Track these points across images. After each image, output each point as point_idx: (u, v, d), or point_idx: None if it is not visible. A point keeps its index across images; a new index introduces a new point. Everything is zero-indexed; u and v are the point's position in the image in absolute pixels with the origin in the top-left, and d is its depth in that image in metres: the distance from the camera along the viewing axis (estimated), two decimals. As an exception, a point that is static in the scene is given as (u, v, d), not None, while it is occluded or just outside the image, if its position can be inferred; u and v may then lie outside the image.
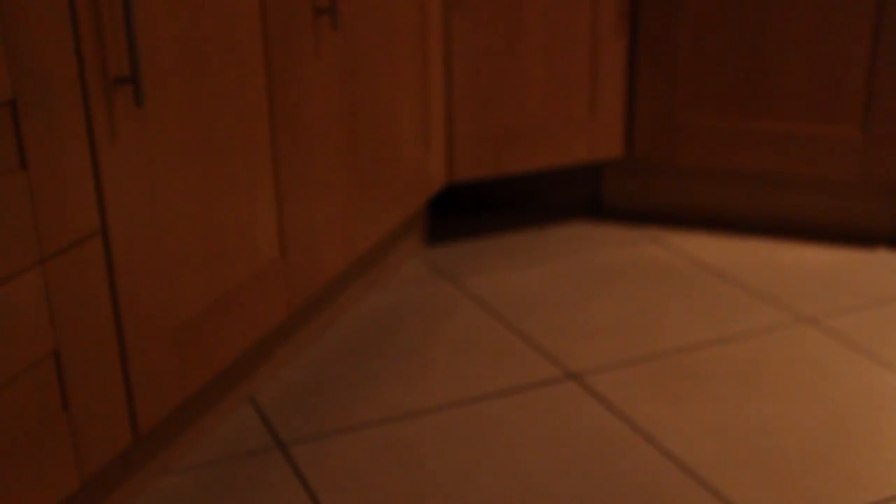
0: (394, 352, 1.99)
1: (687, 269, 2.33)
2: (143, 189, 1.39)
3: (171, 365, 1.49)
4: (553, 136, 2.41)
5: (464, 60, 2.27)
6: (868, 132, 2.31)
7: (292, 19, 1.68)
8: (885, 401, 1.81)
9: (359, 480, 1.61)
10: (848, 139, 2.34)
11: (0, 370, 1.18)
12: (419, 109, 2.17)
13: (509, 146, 2.37)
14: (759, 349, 1.99)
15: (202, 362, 1.56)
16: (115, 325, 1.37)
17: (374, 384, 1.88)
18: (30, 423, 1.25)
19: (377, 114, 2.00)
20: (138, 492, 1.57)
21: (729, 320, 2.10)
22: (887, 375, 1.89)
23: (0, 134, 1.16)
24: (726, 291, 2.23)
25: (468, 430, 1.74)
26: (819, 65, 2.31)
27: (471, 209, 2.70)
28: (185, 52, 1.44)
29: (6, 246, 1.17)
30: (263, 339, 1.86)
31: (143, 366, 1.43)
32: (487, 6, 2.25)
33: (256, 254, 1.68)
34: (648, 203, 2.62)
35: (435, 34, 2.17)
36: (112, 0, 1.29)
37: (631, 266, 2.35)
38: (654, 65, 2.42)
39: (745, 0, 2.31)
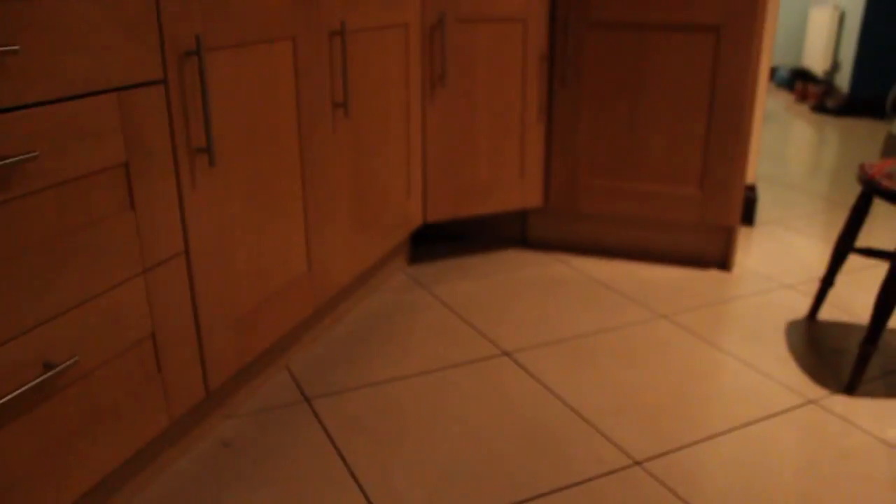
0: (384, 337, 1.98)
1: (583, 282, 2.33)
2: (213, 223, 1.40)
3: (231, 343, 1.49)
4: (495, 191, 2.40)
5: (434, 137, 2.26)
6: (704, 190, 2.33)
7: (317, 109, 1.69)
8: (712, 369, 1.83)
9: (360, 423, 1.61)
10: (690, 195, 2.35)
11: (118, 345, 1.19)
12: (404, 170, 2.17)
13: (465, 197, 2.37)
14: (630, 335, 2.00)
15: (253, 342, 1.56)
16: (193, 316, 1.37)
17: (371, 358, 1.87)
18: (136, 381, 1.25)
19: (374, 173, 2.00)
20: (209, 430, 1.57)
21: (610, 316, 2.11)
22: (714, 352, 1.91)
23: (117, 186, 1.17)
24: (609, 297, 2.23)
25: (434, 390, 1.74)
26: (672, 143, 2.32)
27: (440, 239, 2.70)
28: (244, 130, 1.45)
29: (122, 261, 1.18)
30: (295, 328, 1.86)
31: (212, 344, 1.43)
32: (450, 102, 2.25)
33: (290, 268, 1.68)
34: (559, 237, 2.60)
35: (415, 120, 2.18)
36: (195, 98, 1.30)
37: (546, 280, 2.35)
38: (562, 144, 2.42)
39: (623, 96, 2.32)
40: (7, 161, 0.95)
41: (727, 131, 2.25)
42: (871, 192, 1.79)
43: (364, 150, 1.92)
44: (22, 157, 0.97)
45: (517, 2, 2.22)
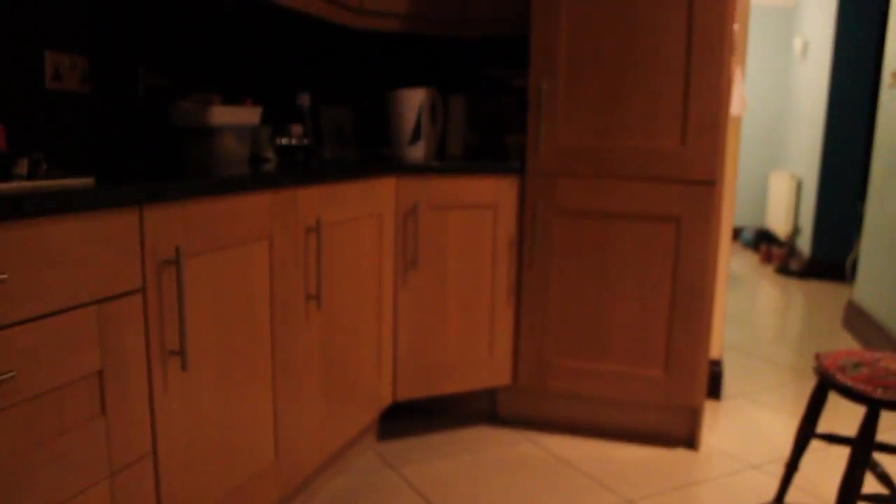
0: (351, 521, 1.96)
1: (551, 463, 2.32)
2: (183, 421, 1.42)
3: (194, 541, 1.47)
4: (465, 370, 2.43)
5: (406, 318, 2.32)
6: (668, 372, 2.39)
7: (291, 303, 1.74)
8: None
9: None
10: (655, 377, 2.40)
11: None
12: (374, 354, 2.21)
13: (435, 376, 2.39)
14: (599, 522, 1.99)
15: (216, 537, 1.55)
16: (157, 517, 1.37)
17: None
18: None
19: (346, 359, 2.04)
20: None
21: (577, 502, 2.09)
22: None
23: (90, 393, 1.20)
24: (576, 480, 2.21)
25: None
26: (637, 326, 2.39)
27: (410, 412, 2.70)
28: (217, 330, 1.49)
29: (89, 467, 1.19)
30: (261, 514, 1.83)
31: (174, 544, 1.41)
32: (422, 284, 2.33)
33: (258, 459, 1.68)
34: (528, 413, 2.60)
35: (387, 302, 2.24)
36: (171, 304, 1.35)
37: (513, 460, 2.33)
38: (530, 324, 2.48)
39: (589, 279, 2.41)
40: (-16, 387, 0.98)
41: (689, 315, 2.33)
42: (826, 385, 1.85)
43: (336, 335, 1.97)
44: (0, 377, 1.00)
45: (488, 190, 2.35)
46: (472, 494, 2.11)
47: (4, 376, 1.02)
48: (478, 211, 2.36)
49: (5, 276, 1.00)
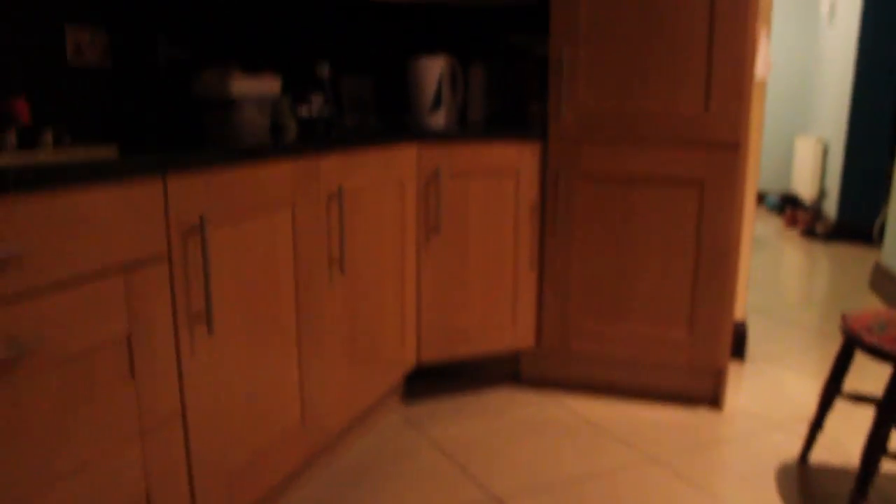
0: (377, 482, 1.98)
1: (574, 423, 2.34)
2: (210, 385, 1.45)
3: (224, 497, 1.51)
4: (488, 333, 2.46)
5: (429, 283, 2.34)
6: (692, 334, 2.39)
7: (314, 268, 1.76)
8: (704, 521, 1.83)
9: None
10: (679, 339, 2.41)
11: (109, 513, 1.22)
12: (398, 317, 2.23)
13: (459, 339, 2.42)
14: (620, 481, 2.00)
15: (245, 494, 1.58)
16: (187, 475, 1.41)
17: (363, 507, 1.89)
18: (127, 548, 1.27)
19: (369, 322, 2.06)
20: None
21: (600, 460, 2.11)
22: (703, 499, 1.91)
23: (119, 357, 1.23)
24: (600, 440, 2.23)
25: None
26: (661, 290, 2.40)
27: (435, 375, 2.72)
28: (243, 295, 1.52)
29: (120, 427, 1.23)
30: (284, 477, 1.87)
31: (205, 498, 1.45)
32: (444, 249, 2.34)
33: (284, 421, 1.71)
34: (551, 375, 2.63)
35: (410, 267, 2.26)
36: (196, 271, 1.38)
37: (537, 421, 2.36)
38: (554, 289, 2.49)
39: (612, 244, 2.41)
40: (18, 349, 1.01)
41: (713, 278, 2.33)
42: (852, 344, 1.84)
43: (359, 299, 1.99)
44: (32, 343, 1.03)
45: (510, 156, 2.34)
46: (496, 454, 2.13)
47: (37, 342, 1.04)
48: (499, 178, 2.36)
49: (30, 246, 1.03)
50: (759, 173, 2.92)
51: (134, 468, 1.26)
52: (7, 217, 1.01)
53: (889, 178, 5.07)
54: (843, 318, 1.94)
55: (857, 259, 4.74)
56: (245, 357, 1.54)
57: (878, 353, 1.74)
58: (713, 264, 2.32)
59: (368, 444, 2.19)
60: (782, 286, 4.07)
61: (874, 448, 1.74)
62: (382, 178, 2.04)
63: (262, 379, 1.61)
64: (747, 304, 3.70)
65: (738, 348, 2.87)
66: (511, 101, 2.80)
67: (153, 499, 1.31)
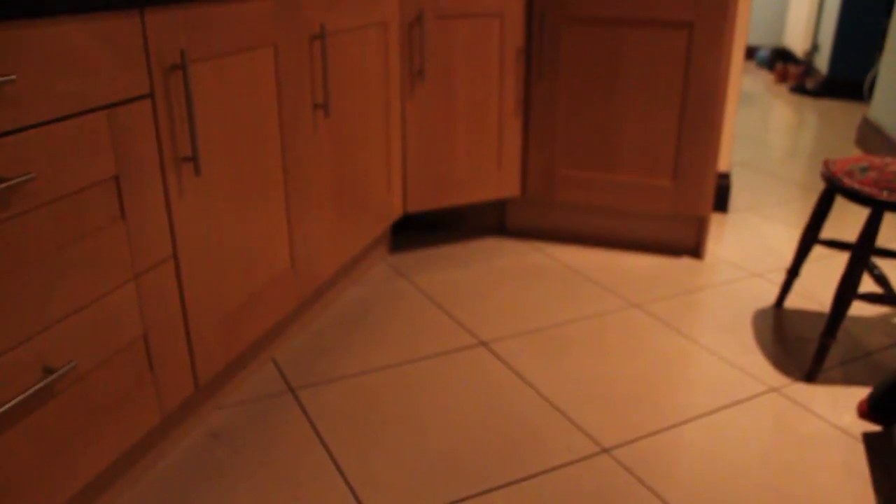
0: (367, 328, 2.05)
1: (559, 271, 2.40)
2: (200, 227, 1.46)
3: (219, 339, 1.56)
4: (473, 181, 2.46)
5: (414, 130, 2.32)
6: (677, 182, 2.41)
7: (299, 111, 1.74)
8: (679, 358, 1.92)
9: (343, 412, 1.69)
10: (664, 186, 2.43)
11: (112, 347, 1.26)
12: (384, 166, 2.23)
13: (444, 188, 2.43)
14: (603, 325, 2.08)
15: (239, 337, 1.63)
16: (182, 317, 1.44)
17: (354, 349, 1.95)
18: (130, 380, 1.32)
19: (355, 169, 2.06)
20: (198, 422, 1.64)
21: (584, 305, 2.18)
22: (682, 341, 1.99)
23: (108, 198, 1.23)
24: (584, 286, 2.30)
25: (414, 380, 1.82)
26: (646, 137, 2.39)
27: (421, 227, 2.76)
28: (228, 137, 1.51)
29: (114, 268, 1.25)
30: (279, 321, 1.92)
31: (200, 341, 1.50)
32: (429, 96, 2.31)
33: (275, 264, 1.74)
34: (536, 225, 2.66)
35: (395, 114, 2.23)
36: (180, 110, 1.36)
37: (523, 269, 2.41)
38: (539, 136, 2.48)
39: (599, 90, 2.39)
40: (5, 184, 1.01)
41: (699, 125, 2.32)
42: (833, 189, 1.87)
43: (345, 146, 1.98)
44: (20, 178, 1.03)
45: (495, -2, 2.28)
46: (482, 299, 2.20)
47: (24, 178, 1.04)
48: (485, 19, 2.30)
49: (14, 76, 1.01)
50: (749, 19, 2.86)
51: (131, 310, 1.29)
52: (-17, 47, 0.98)
53: (884, 32, 4.98)
54: (825, 163, 1.96)
55: (845, 114, 4.73)
56: (233, 201, 1.55)
57: (856, 196, 1.77)
58: (699, 110, 2.31)
59: (359, 293, 2.25)
60: (769, 140, 4.08)
61: (846, 289, 1.80)
62: (365, 18, 1.98)
63: (250, 223, 1.62)
64: (732, 157, 3.72)
65: (722, 199, 2.91)
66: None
67: (151, 340, 1.35)
